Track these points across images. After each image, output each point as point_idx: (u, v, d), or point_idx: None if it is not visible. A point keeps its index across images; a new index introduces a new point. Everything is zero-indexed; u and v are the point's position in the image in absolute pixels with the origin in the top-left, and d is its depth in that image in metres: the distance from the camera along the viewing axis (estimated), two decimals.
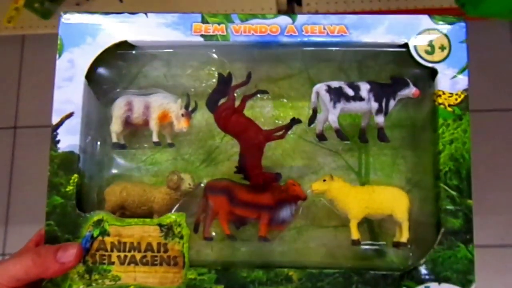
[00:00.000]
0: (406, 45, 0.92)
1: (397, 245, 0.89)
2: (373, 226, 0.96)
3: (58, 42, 0.93)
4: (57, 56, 0.92)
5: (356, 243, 0.87)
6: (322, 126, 0.94)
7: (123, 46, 0.94)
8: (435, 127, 0.90)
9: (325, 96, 0.91)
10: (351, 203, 0.88)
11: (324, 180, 0.90)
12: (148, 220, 0.86)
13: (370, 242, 0.93)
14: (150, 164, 1.00)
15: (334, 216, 0.96)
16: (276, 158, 0.99)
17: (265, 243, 0.91)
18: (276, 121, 0.98)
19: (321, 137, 0.94)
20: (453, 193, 0.87)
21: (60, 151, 0.90)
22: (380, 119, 0.91)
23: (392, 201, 0.89)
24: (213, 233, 0.93)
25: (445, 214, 0.87)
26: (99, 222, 0.86)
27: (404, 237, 0.88)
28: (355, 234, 0.88)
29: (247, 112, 0.94)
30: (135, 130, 0.99)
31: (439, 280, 0.84)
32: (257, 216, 0.90)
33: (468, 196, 0.87)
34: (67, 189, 0.88)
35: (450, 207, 0.87)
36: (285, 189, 0.89)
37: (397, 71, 0.98)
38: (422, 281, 0.85)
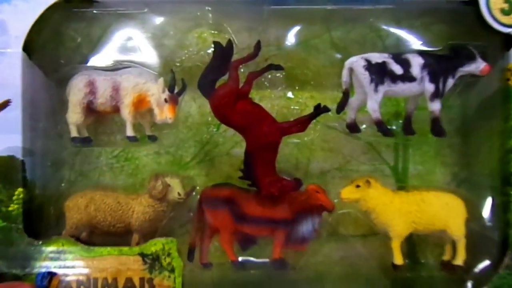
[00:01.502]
0: (473, 1, 0.67)
1: (448, 267, 0.70)
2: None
3: None
4: None
5: (398, 269, 0.68)
6: (355, 114, 0.71)
7: (78, 2, 0.68)
8: (506, 116, 0.68)
9: (364, 76, 0.67)
10: (395, 218, 0.68)
11: (358, 186, 0.68)
12: (125, 249, 0.65)
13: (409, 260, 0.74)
14: (125, 161, 0.77)
15: (361, 222, 0.75)
16: (290, 151, 0.77)
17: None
18: (292, 107, 0.75)
19: (353, 128, 0.71)
20: None
21: None
22: (436, 106, 0.68)
23: (446, 213, 0.69)
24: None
25: None
26: (58, 252, 0.64)
27: (459, 258, 0.69)
28: (398, 258, 0.68)
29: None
30: (101, 117, 0.75)
31: None
32: (270, 234, 0.69)
33: None
34: (10, 209, 0.65)
35: None
36: (306, 198, 0.68)
37: (452, 34, 0.74)
38: None
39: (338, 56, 0.75)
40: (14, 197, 0.65)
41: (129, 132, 0.71)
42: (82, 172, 0.75)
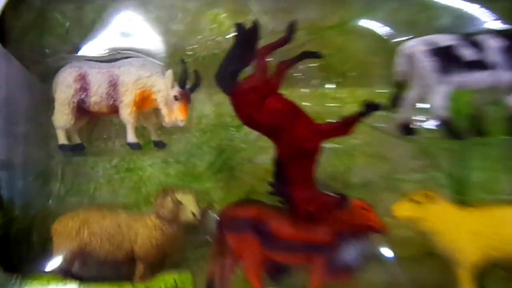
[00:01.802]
0: None
1: None
2: None
3: None
4: None
5: None
6: (411, 112, 0.60)
7: None
8: None
9: (426, 64, 0.55)
10: (466, 243, 0.55)
11: (417, 202, 0.57)
12: (127, 285, 0.54)
13: None
14: (126, 172, 0.67)
15: (411, 240, 0.64)
16: (325, 158, 0.66)
17: None
18: (328, 105, 0.65)
19: (407, 129, 0.60)
20: None
21: None
22: None
23: None
24: None
25: None
26: None
27: None
28: None
29: None
30: (95, 119, 0.66)
31: None
32: (307, 262, 0.59)
33: None
34: None
35: None
36: (351, 217, 0.58)
37: None
38: None
39: (384, 40, 0.65)
40: None
41: (131, 137, 0.62)
42: (73, 187, 0.66)
